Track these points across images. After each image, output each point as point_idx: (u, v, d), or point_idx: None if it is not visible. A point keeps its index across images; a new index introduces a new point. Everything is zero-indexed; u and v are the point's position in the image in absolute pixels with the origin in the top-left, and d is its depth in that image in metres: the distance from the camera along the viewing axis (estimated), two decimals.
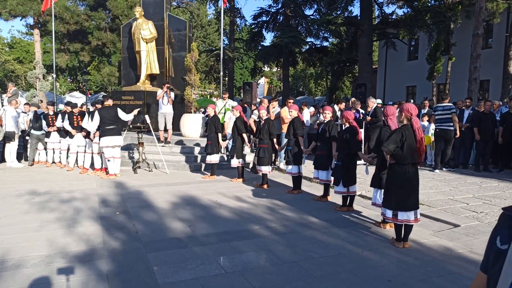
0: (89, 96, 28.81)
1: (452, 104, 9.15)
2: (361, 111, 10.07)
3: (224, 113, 10.80)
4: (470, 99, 10.12)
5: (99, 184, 7.75)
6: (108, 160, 8.41)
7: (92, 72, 38.48)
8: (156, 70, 12.90)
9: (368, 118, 9.58)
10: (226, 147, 10.10)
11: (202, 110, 13.14)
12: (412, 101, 14.18)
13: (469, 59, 13.01)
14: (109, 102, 8.70)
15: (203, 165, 9.62)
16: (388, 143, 4.27)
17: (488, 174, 8.85)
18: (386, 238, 4.74)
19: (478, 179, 8.20)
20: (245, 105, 11.67)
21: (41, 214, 5.62)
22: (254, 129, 8.43)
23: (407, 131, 4.27)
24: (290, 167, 7.16)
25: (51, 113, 10.05)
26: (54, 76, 16.24)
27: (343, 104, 11.46)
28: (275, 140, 7.68)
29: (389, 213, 4.47)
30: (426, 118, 9.99)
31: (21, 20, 25.55)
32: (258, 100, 10.74)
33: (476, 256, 4.15)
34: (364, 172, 6.13)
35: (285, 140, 7.97)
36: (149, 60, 12.71)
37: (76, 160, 9.49)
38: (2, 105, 12.17)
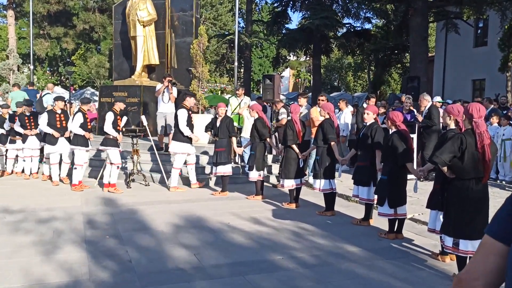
0: (73, 92, 29.46)
1: None
2: (414, 111, 9.98)
3: (239, 117, 10.84)
4: None
5: (84, 201, 7.91)
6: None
7: (77, 63, 39.37)
8: (155, 60, 13.13)
9: (420, 117, 9.38)
10: (241, 157, 10.15)
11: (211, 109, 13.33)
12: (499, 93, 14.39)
13: None
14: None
15: (213, 178, 9.69)
16: (441, 152, 4.24)
17: None
18: (445, 274, 4.68)
19: None
20: (265, 103, 11.75)
21: (14, 236, 5.76)
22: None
23: (468, 138, 4.22)
24: (319, 182, 7.14)
25: (27, 113, 10.33)
26: (31, 67, 16.74)
27: (373, 100, 10.96)
28: (294, 147, 7.62)
29: (448, 241, 4.42)
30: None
31: None
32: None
33: None
34: (412, 189, 6.04)
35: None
36: (146, 48, 12.96)
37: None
38: None
